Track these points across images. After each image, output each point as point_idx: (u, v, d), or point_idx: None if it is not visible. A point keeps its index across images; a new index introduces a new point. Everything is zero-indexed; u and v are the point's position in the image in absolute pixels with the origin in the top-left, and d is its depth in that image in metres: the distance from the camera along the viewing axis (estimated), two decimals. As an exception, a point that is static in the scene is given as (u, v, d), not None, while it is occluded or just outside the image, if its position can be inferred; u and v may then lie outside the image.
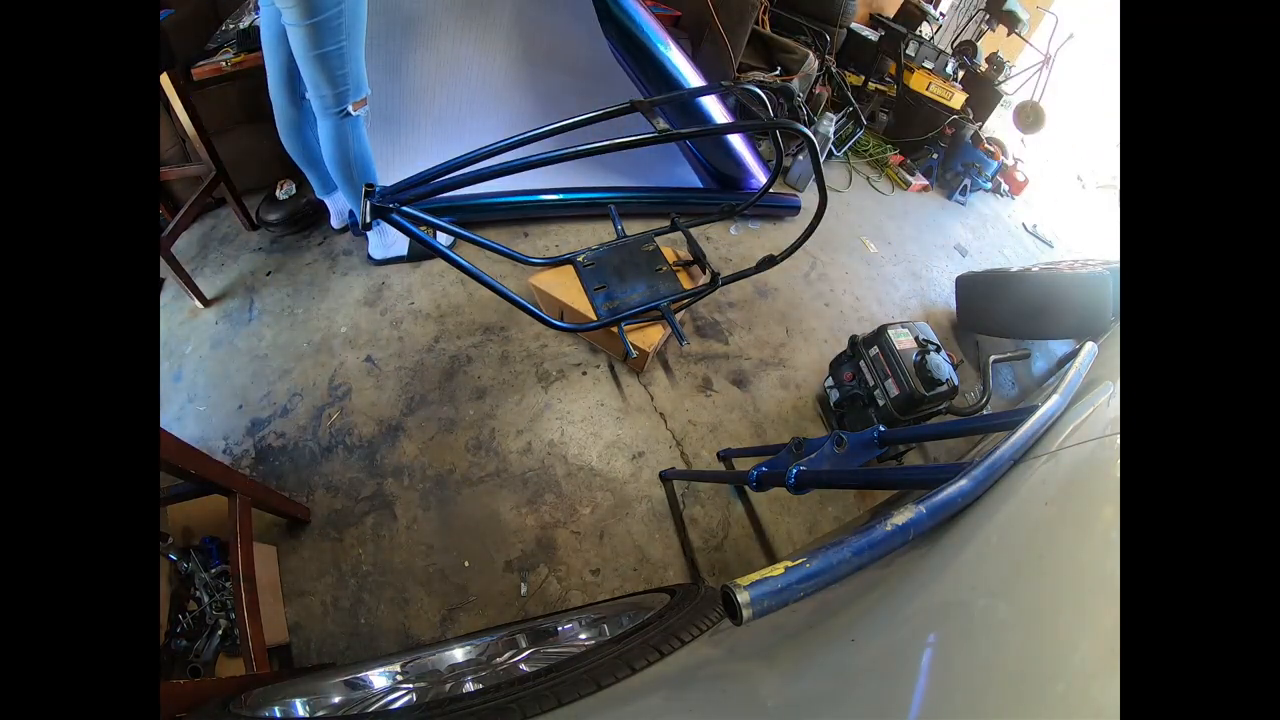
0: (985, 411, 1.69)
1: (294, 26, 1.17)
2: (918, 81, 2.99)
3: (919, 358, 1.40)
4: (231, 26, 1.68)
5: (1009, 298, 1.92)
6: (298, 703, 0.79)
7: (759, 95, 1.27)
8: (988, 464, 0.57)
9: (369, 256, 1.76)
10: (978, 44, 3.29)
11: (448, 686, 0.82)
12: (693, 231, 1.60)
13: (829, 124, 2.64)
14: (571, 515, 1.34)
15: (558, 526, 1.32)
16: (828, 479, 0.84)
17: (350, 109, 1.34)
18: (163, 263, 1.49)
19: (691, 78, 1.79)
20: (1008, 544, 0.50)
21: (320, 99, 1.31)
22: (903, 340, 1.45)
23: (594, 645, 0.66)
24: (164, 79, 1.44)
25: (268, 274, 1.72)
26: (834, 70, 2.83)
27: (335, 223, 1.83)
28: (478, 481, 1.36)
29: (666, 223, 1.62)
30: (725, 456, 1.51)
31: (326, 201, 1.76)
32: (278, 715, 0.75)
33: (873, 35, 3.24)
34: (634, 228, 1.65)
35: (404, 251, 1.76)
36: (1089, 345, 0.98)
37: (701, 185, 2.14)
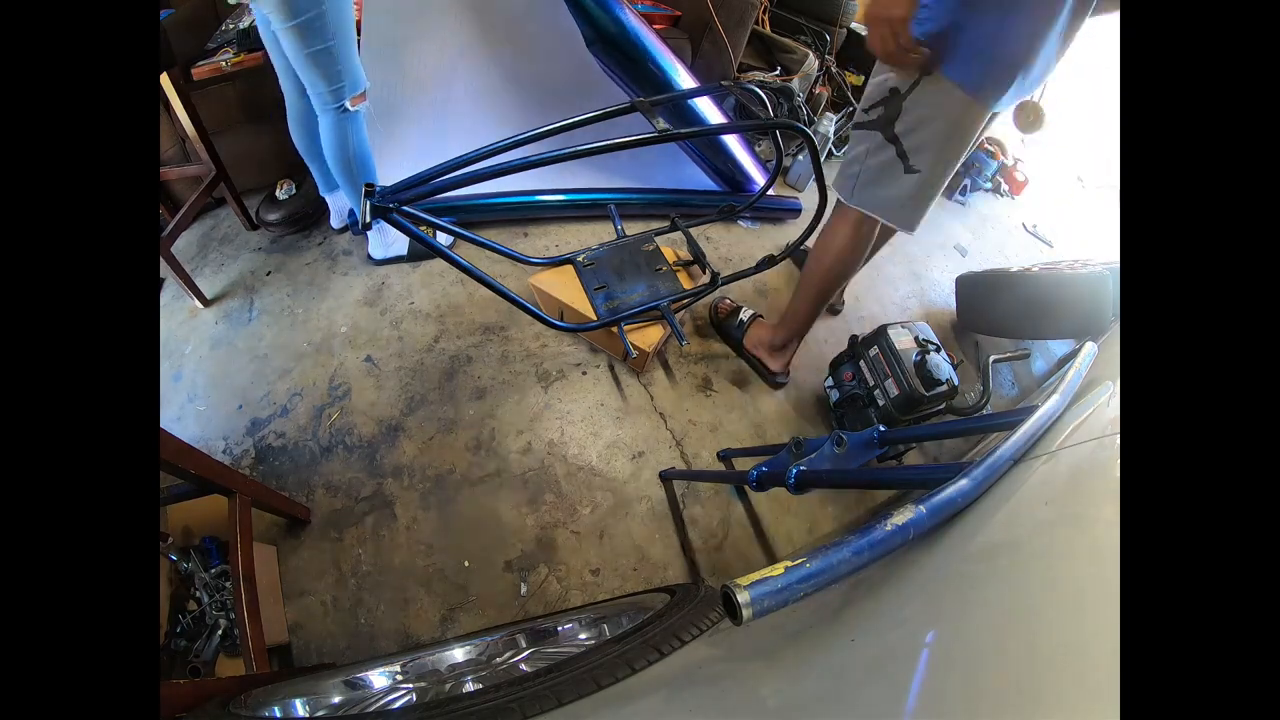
0: (985, 411, 1.69)
1: (280, 29, 1.19)
2: (918, 81, 2.98)
3: (919, 358, 1.40)
4: (231, 26, 1.68)
5: (1009, 298, 1.91)
6: (298, 703, 0.79)
7: (759, 95, 1.27)
8: (988, 464, 0.57)
9: (369, 256, 1.76)
10: (978, 44, 3.27)
11: (448, 686, 0.82)
12: (693, 232, 1.60)
13: (829, 124, 2.64)
14: (571, 515, 1.34)
15: (558, 526, 1.32)
16: (828, 479, 0.84)
17: (348, 104, 1.35)
18: (163, 263, 1.49)
19: (689, 84, 1.78)
20: (1008, 544, 0.50)
21: (318, 96, 1.32)
22: (903, 340, 1.45)
23: (594, 645, 0.66)
24: (164, 79, 1.44)
25: (268, 274, 1.72)
26: (834, 70, 2.82)
27: (335, 222, 1.83)
28: (478, 481, 1.36)
29: (666, 223, 1.62)
30: (725, 456, 1.51)
31: (328, 200, 1.76)
32: (278, 715, 0.75)
33: (873, 35, 3.23)
34: (634, 228, 1.65)
35: (404, 251, 1.76)
36: (1089, 345, 0.98)
37: (707, 184, 2.13)
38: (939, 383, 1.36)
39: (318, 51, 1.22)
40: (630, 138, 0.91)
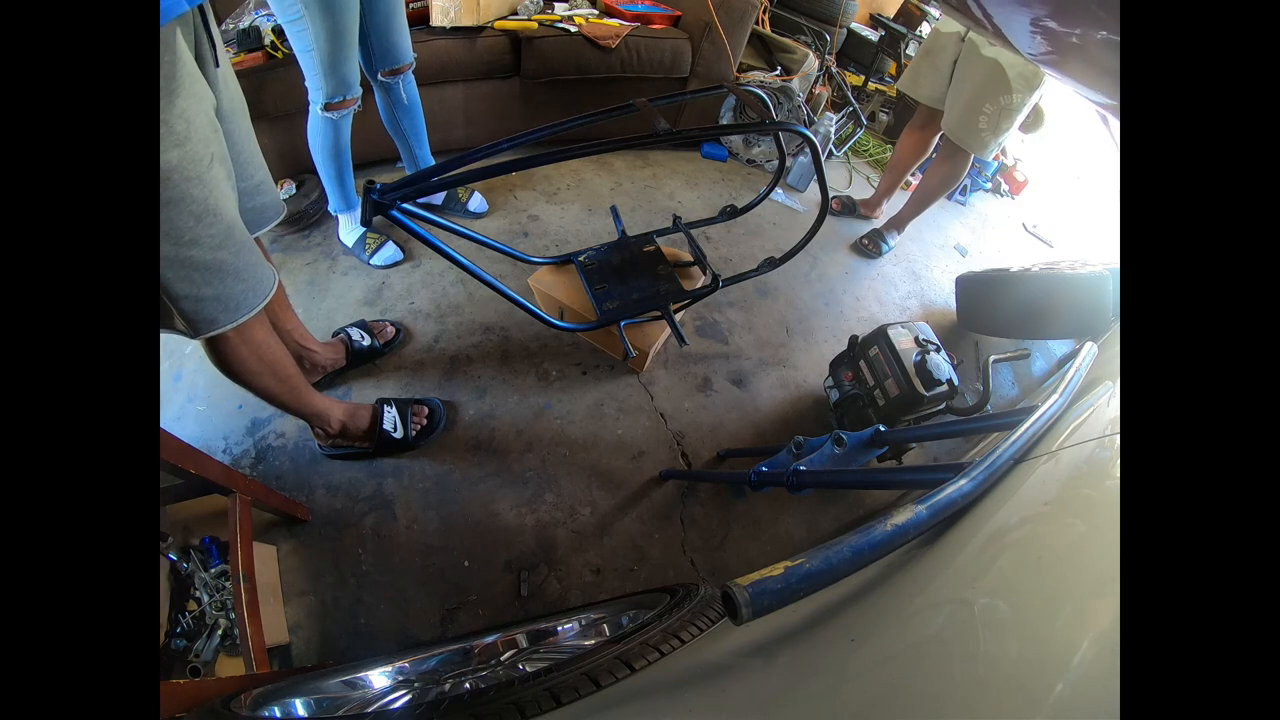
0: (985, 411, 1.69)
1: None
2: (918, 81, 2.97)
3: (919, 358, 1.40)
4: (231, 26, 1.68)
5: (1009, 298, 1.91)
6: (298, 703, 0.79)
7: (760, 96, 1.27)
8: (988, 464, 0.57)
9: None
10: (978, 44, 3.28)
11: (447, 686, 0.82)
12: (693, 232, 1.60)
13: (829, 124, 2.64)
14: (571, 515, 1.34)
15: (558, 526, 1.32)
16: (828, 479, 0.85)
17: (318, 110, 1.40)
18: (163, 262, 1.49)
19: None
20: (1008, 543, 0.50)
21: (308, 88, 1.38)
22: (903, 340, 1.45)
23: (594, 645, 0.66)
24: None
25: (268, 274, 1.72)
26: (834, 70, 2.82)
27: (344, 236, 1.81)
28: (478, 481, 1.36)
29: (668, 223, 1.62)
30: (725, 456, 1.51)
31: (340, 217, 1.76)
32: (278, 715, 0.75)
33: (873, 35, 3.24)
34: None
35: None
36: (1089, 345, 0.98)
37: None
38: (939, 383, 1.36)
39: (302, 52, 1.30)
40: (630, 137, 0.91)
